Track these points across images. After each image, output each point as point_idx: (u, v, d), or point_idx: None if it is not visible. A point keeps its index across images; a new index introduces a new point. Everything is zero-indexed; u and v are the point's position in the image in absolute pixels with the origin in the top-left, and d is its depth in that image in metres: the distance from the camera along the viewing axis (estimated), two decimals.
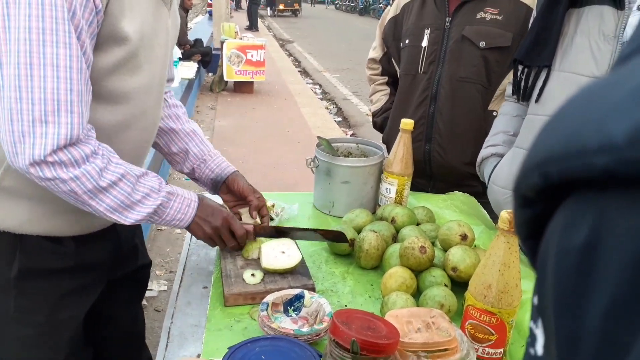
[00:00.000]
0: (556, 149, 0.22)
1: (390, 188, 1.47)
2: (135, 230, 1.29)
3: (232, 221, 1.10)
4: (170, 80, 1.28)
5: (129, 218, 0.95)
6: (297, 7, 27.31)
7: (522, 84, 1.35)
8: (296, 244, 1.21)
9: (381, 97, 1.93)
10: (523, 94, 1.36)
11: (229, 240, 1.10)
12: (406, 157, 1.44)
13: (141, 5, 0.94)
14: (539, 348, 0.25)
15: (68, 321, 1.09)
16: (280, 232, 1.20)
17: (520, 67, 1.35)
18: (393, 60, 1.84)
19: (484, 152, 1.49)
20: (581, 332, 0.21)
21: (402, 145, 1.44)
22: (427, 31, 1.64)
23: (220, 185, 1.27)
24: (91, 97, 0.92)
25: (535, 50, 1.29)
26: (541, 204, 0.24)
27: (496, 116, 1.62)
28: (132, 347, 1.39)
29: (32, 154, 0.82)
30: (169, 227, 3.46)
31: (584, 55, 1.18)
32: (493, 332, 0.88)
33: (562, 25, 1.24)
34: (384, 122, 1.89)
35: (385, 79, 1.92)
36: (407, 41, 1.71)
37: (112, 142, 0.99)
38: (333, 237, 1.22)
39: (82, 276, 1.09)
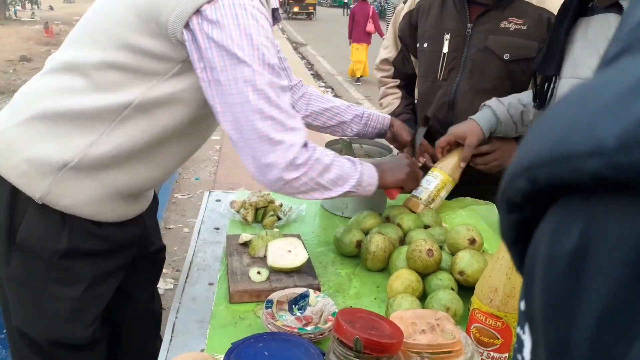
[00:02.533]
0: (544, 153, 0.21)
1: (432, 180, 1.45)
2: (154, 215, 1.36)
3: (405, 156, 1.32)
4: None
5: (339, 192, 1.10)
6: (312, 10, 27.41)
7: (539, 94, 1.35)
8: (303, 244, 1.21)
9: (392, 101, 1.84)
10: (540, 103, 1.37)
11: (417, 171, 1.32)
12: (462, 164, 1.45)
13: None
14: (527, 354, 0.24)
15: (99, 298, 1.15)
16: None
17: (538, 77, 1.35)
18: (411, 56, 1.77)
19: (508, 101, 1.49)
20: (572, 340, 0.20)
21: (459, 156, 1.45)
22: (447, 36, 1.59)
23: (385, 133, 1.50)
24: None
25: (547, 60, 1.30)
26: (528, 209, 0.24)
27: None
28: (150, 324, 1.43)
29: (282, 157, 0.97)
30: (182, 221, 3.49)
31: (592, 62, 1.18)
32: (498, 336, 0.87)
33: (567, 35, 1.24)
34: None
35: (397, 82, 1.85)
36: (425, 45, 1.66)
37: (182, 141, 1.12)
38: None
39: (115, 258, 1.16)
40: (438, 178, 1.44)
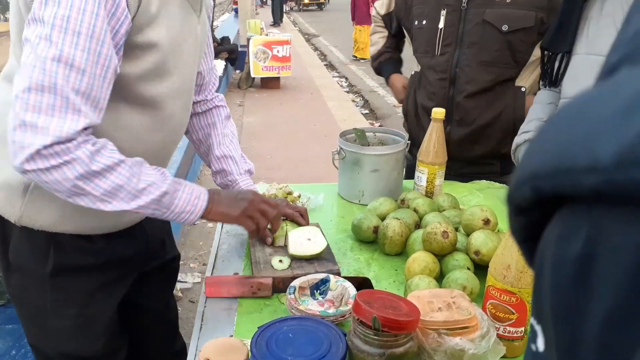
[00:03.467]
0: (546, 165, 0.22)
1: (421, 177, 1.49)
2: (162, 226, 1.33)
3: (260, 195, 1.13)
4: (208, 84, 1.33)
5: (130, 204, 0.92)
6: (322, 1, 27.26)
7: (548, 70, 1.36)
8: (322, 232, 1.25)
9: (379, 40, 1.97)
10: (549, 80, 1.38)
11: (268, 211, 1.11)
12: (437, 146, 1.46)
13: (169, 13, 0.96)
14: (540, 344, 0.25)
15: (101, 313, 1.14)
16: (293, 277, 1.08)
17: (546, 54, 1.36)
18: (401, 25, 1.85)
19: (517, 139, 1.50)
20: (580, 340, 0.21)
21: (434, 134, 1.46)
22: (443, 12, 1.63)
23: None
24: (120, 102, 0.95)
25: (558, 36, 1.30)
26: (536, 212, 0.24)
27: (524, 91, 1.61)
28: (166, 333, 1.45)
29: (31, 142, 0.81)
30: (201, 221, 3.56)
31: (610, 37, 1.18)
32: (513, 311, 0.90)
33: (582, 11, 1.24)
34: (379, 67, 1.96)
35: (384, 22, 1.95)
36: (424, 22, 1.70)
37: (140, 143, 1.03)
38: (358, 284, 1.08)
39: (112, 271, 1.14)
40: (425, 172, 1.48)
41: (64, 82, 0.82)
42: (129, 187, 0.91)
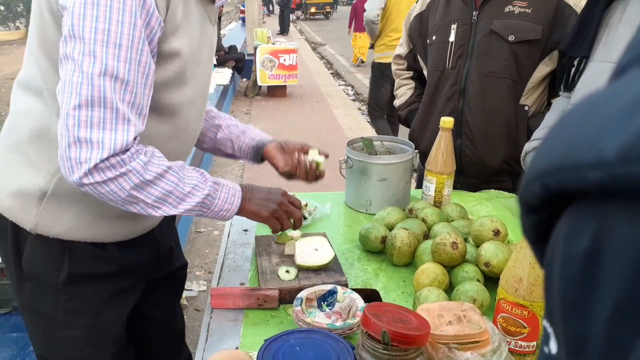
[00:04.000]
0: (554, 162, 0.23)
1: (429, 186, 1.48)
2: (170, 233, 1.33)
3: (288, 195, 1.15)
4: None
5: (178, 208, 0.96)
6: (329, 10, 27.42)
7: (565, 74, 1.36)
8: (329, 242, 1.24)
9: (406, 91, 1.95)
10: (565, 84, 1.38)
11: (294, 211, 1.14)
12: (446, 155, 1.45)
13: (190, 23, 0.98)
14: (553, 346, 0.25)
15: (112, 322, 1.14)
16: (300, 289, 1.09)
17: (564, 58, 1.36)
18: (419, 57, 1.85)
19: (527, 146, 1.50)
20: (588, 335, 0.22)
21: (443, 144, 1.45)
22: (454, 26, 1.64)
23: (262, 151, 1.30)
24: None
25: (577, 41, 1.30)
26: (546, 210, 0.25)
27: (527, 110, 1.61)
28: (172, 344, 1.44)
29: (88, 157, 0.84)
30: (213, 224, 3.57)
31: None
32: (525, 325, 0.88)
33: (601, 17, 1.24)
34: (408, 115, 1.92)
35: (410, 73, 1.95)
36: (434, 37, 1.71)
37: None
38: (366, 296, 1.06)
39: (125, 280, 1.13)
40: (433, 181, 1.47)
41: (112, 94, 0.84)
42: (177, 192, 0.95)
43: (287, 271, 1.15)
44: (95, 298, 1.09)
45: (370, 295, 1.07)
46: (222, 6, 9.82)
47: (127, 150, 0.87)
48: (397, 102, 2.00)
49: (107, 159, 0.85)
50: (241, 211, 1.07)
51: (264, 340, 0.87)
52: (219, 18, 7.29)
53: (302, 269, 1.17)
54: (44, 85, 0.95)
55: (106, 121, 0.84)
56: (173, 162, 0.97)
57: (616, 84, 0.23)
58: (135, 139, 0.88)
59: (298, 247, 1.20)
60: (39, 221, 1.01)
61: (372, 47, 4.92)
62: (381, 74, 4.61)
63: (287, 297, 1.09)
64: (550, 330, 0.26)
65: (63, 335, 1.09)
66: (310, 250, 1.19)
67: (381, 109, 4.83)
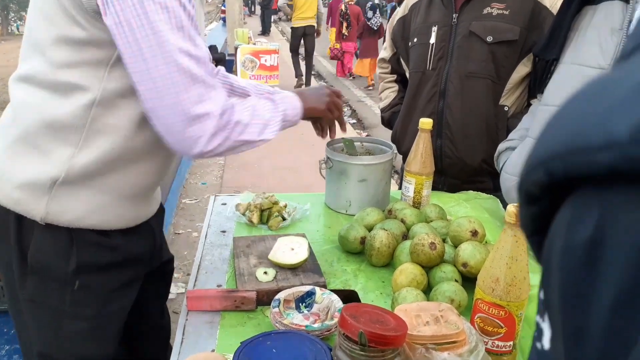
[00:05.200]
0: (561, 146, 0.22)
1: (408, 187, 1.49)
2: (161, 225, 1.34)
3: (331, 89, 1.30)
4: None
5: (272, 129, 1.09)
6: None
7: (537, 76, 1.39)
8: (308, 244, 1.23)
9: (389, 94, 1.96)
10: (538, 86, 1.40)
11: (339, 106, 1.29)
12: (424, 156, 1.45)
13: (200, 18, 1.05)
14: (546, 342, 0.25)
15: (116, 315, 1.14)
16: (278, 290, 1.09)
17: (537, 61, 1.39)
18: (402, 60, 1.86)
19: (500, 147, 1.52)
20: (587, 326, 0.21)
21: (421, 144, 1.45)
22: (434, 28, 1.66)
23: None
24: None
25: (549, 44, 1.33)
26: (546, 200, 0.24)
27: (507, 111, 1.62)
28: (160, 340, 1.43)
29: (206, 128, 0.95)
30: (192, 226, 3.53)
31: (593, 48, 1.20)
32: (502, 325, 0.88)
33: (572, 21, 1.27)
34: (392, 117, 1.92)
35: (394, 76, 1.96)
36: (415, 40, 1.73)
37: (152, 153, 1.07)
38: (344, 297, 1.05)
39: (129, 270, 1.14)
40: (412, 182, 1.48)
41: (197, 71, 0.93)
42: (266, 122, 1.08)
43: (265, 272, 1.14)
44: (102, 289, 1.10)
45: (349, 296, 1.07)
46: (225, 7, 9.81)
47: (227, 108, 0.98)
48: (381, 105, 2.01)
49: (218, 120, 0.96)
50: (303, 110, 1.19)
51: (240, 343, 0.85)
52: None
53: (280, 269, 1.16)
54: (53, 76, 0.96)
55: (203, 94, 0.94)
56: (245, 101, 1.09)
57: (623, 67, 0.23)
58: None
59: (276, 244, 1.19)
60: (50, 209, 1.01)
61: (290, 19, 8.76)
62: (295, 33, 8.66)
63: (264, 298, 1.07)
64: (543, 326, 0.25)
65: (68, 328, 1.09)
66: (287, 249, 1.18)
67: (295, 52, 8.91)
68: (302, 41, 8.64)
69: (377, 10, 9.19)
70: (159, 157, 1.10)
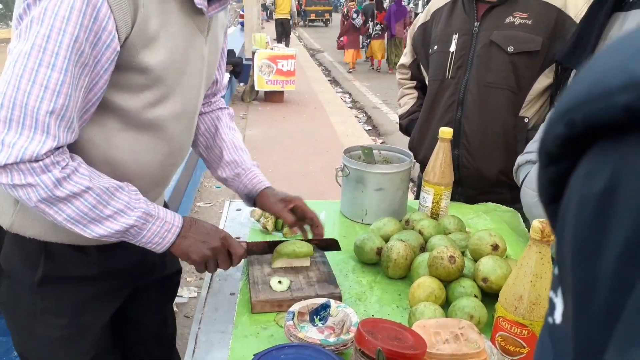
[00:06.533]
0: (582, 94, 0.22)
1: (426, 197, 1.46)
2: None
3: (230, 241, 1.06)
4: (219, 90, 1.32)
5: (93, 232, 0.91)
6: (328, 17, 27.53)
7: (561, 87, 1.35)
8: (313, 248, 1.21)
9: (408, 101, 1.94)
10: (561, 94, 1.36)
11: (224, 261, 1.05)
12: (444, 166, 1.42)
13: (171, 34, 0.93)
14: (558, 316, 0.25)
15: (92, 325, 1.11)
16: (272, 246, 1.16)
17: (562, 70, 1.35)
18: (422, 66, 1.83)
19: (520, 159, 1.48)
20: (596, 278, 0.21)
21: (441, 154, 1.42)
22: (455, 36, 1.63)
23: (254, 201, 1.24)
24: (115, 122, 0.93)
25: (575, 52, 1.29)
26: (566, 160, 0.24)
27: (527, 122, 1.59)
28: (161, 349, 1.41)
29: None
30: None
31: None
32: (524, 344, 0.85)
33: (602, 29, 1.22)
34: (410, 125, 1.90)
35: (413, 83, 1.93)
36: (435, 47, 1.70)
37: (137, 163, 1.00)
38: (326, 245, 1.16)
39: (105, 283, 1.11)
40: (431, 192, 1.45)
41: (35, 102, 0.81)
42: (93, 214, 0.89)
43: (280, 282, 1.12)
44: (74, 299, 1.07)
45: (330, 244, 1.11)
46: (243, 12, 10.33)
47: (39, 160, 0.82)
48: (399, 111, 1.98)
49: (15, 164, 0.81)
50: (172, 248, 1.00)
51: (253, 355, 0.83)
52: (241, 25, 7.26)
53: (294, 280, 1.14)
54: None
55: (24, 127, 0.81)
56: (107, 183, 0.91)
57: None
58: (58, 149, 0.84)
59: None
60: (15, 221, 1.00)
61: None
62: (281, 22, 12.10)
63: (254, 249, 1.12)
64: (556, 300, 0.25)
65: (41, 335, 1.07)
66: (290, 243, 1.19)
67: (284, 36, 12.06)
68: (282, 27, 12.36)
69: (360, 14, 12.03)
70: (132, 176, 1.01)
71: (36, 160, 0.82)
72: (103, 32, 0.83)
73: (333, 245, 1.18)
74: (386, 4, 12.30)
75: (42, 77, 0.81)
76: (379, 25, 11.50)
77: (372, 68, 12.19)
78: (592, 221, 0.22)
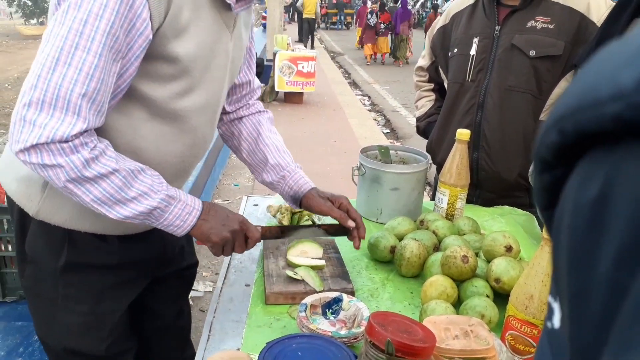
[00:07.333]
0: (572, 105, 0.22)
1: (442, 198, 1.46)
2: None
3: (247, 224, 1.08)
4: (254, 91, 1.35)
5: (118, 213, 0.92)
6: (350, 20, 27.57)
7: None
8: (322, 251, 1.25)
9: (426, 103, 1.94)
10: None
11: (241, 245, 1.07)
12: (460, 167, 1.43)
13: (200, 28, 0.96)
14: (556, 321, 0.25)
15: (110, 313, 1.14)
16: (284, 232, 1.16)
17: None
18: (440, 69, 1.84)
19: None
20: (591, 283, 0.21)
21: (458, 156, 1.43)
22: (475, 40, 1.63)
23: (300, 202, 1.24)
24: (141, 111, 0.96)
25: None
26: (560, 167, 0.24)
27: None
28: (176, 340, 1.44)
29: (26, 139, 0.83)
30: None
31: None
32: (534, 344, 0.86)
33: (622, 35, 1.22)
34: (427, 127, 1.90)
35: (431, 85, 1.93)
36: (455, 50, 1.70)
37: (159, 153, 1.03)
38: (335, 230, 1.16)
39: (125, 273, 1.14)
40: (446, 193, 1.45)
41: (69, 85, 0.83)
42: (119, 195, 0.91)
43: (294, 274, 1.14)
44: (94, 287, 1.10)
45: (339, 230, 1.15)
46: (266, 13, 10.23)
47: (68, 141, 0.85)
48: (417, 113, 1.98)
49: (46, 144, 0.83)
50: (193, 230, 1.02)
51: (266, 343, 0.85)
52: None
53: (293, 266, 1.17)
54: None
55: (55, 108, 0.83)
56: (132, 165, 0.93)
57: (632, 33, 0.23)
58: (86, 131, 0.87)
59: (299, 247, 1.24)
60: (41, 208, 1.03)
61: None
62: (307, 21, 15.48)
63: (267, 234, 1.13)
64: (554, 305, 0.25)
65: (62, 320, 1.11)
66: (300, 252, 1.23)
67: (309, 33, 15.15)
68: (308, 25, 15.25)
69: (374, 14, 14.00)
70: (160, 165, 1.04)
71: (66, 141, 0.84)
72: (137, 20, 0.86)
73: (342, 230, 1.16)
74: (388, 6, 14.66)
75: (77, 60, 0.83)
76: (383, 25, 13.71)
77: (375, 61, 14.41)
78: (587, 228, 0.22)
